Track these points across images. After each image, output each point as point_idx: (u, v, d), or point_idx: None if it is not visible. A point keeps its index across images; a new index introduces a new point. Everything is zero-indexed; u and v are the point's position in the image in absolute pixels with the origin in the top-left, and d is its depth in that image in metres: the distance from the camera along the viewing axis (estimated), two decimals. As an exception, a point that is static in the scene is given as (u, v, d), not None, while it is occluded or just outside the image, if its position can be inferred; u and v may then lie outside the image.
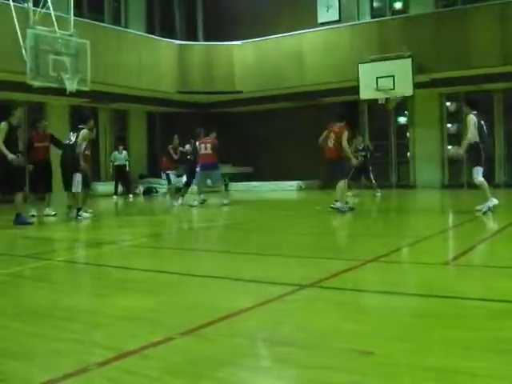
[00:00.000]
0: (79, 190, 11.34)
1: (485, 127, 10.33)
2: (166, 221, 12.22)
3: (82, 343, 3.20)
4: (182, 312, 3.90)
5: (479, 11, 18.64)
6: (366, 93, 19.45)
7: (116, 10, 22.60)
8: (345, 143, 11.42)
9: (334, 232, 9.43)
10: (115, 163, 20.13)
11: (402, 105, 22.15)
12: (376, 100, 19.48)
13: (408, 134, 22.50)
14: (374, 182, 17.45)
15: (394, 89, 18.99)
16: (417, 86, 18.77)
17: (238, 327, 3.46)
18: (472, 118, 10.17)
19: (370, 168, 17.43)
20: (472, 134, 10.08)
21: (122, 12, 22.75)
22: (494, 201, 10.11)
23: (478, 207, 10.30)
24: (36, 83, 14.33)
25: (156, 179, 22.74)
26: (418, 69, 18.67)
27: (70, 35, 15.09)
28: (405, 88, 18.82)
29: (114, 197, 19.38)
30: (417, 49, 18.68)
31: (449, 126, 21.82)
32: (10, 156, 10.08)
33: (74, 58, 15.11)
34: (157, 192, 22.49)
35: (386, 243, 7.29)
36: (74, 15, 15.64)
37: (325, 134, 11.94)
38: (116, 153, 20.38)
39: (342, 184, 11.38)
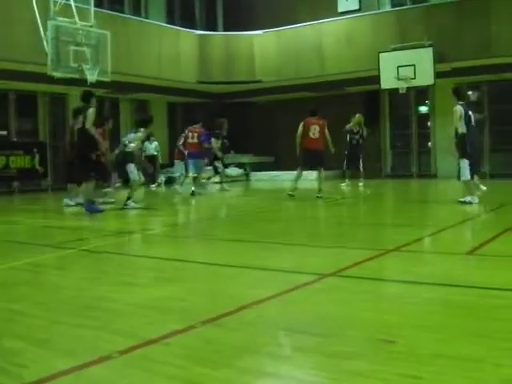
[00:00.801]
0: (136, 179, 12.13)
1: (472, 118, 10.23)
2: (186, 210, 12.25)
3: (104, 331, 3.22)
4: (203, 301, 3.91)
5: (501, -1, 18.41)
6: (387, 82, 19.30)
7: (136, 1, 22.60)
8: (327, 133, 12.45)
9: (355, 221, 9.38)
10: (146, 153, 20.15)
11: (424, 94, 21.98)
12: (397, 89, 19.33)
13: (429, 123, 22.32)
14: (361, 170, 16.99)
15: (414, 78, 18.83)
16: (438, 75, 18.57)
17: (259, 316, 3.46)
18: (459, 109, 10.14)
19: (361, 155, 17.04)
20: (458, 126, 10.08)
21: (142, 2, 22.74)
22: (476, 199, 10.10)
23: (460, 199, 10.35)
24: (57, 74, 14.39)
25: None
26: (438, 58, 18.48)
27: (91, 26, 15.13)
28: (426, 77, 18.64)
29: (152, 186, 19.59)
30: (438, 38, 18.48)
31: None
32: (103, 148, 10.77)
33: (95, 49, 15.15)
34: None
35: (407, 233, 7.25)
36: (94, 6, 15.66)
37: (301, 128, 12.63)
38: (147, 143, 20.41)
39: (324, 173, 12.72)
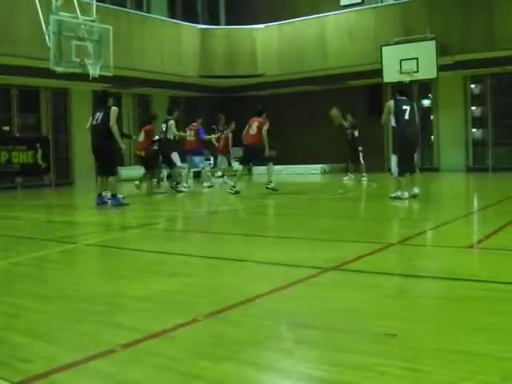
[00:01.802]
0: (179, 164, 15.02)
1: (408, 113, 10.21)
2: (189, 204, 12.27)
3: (107, 325, 3.24)
4: (206, 294, 3.92)
5: (504, -9, 18.35)
6: (390, 75, 19.27)
7: (138, -5, 22.61)
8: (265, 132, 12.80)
9: (357, 215, 9.39)
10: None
11: (426, 87, 21.94)
12: (400, 83, 19.29)
13: (432, 116, 22.29)
14: (361, 163, 16.83)
15: (417, 71, 18.80)
16: (441, 68, 18.54)
17: (262, 309, 3.47)
18: (388, 104, 10.50)
19: (360, 148, 16.86)
20: (383, 118, 10.57)
21: (144, -4, 22.76)
22: (406, 195, 10.08)
23: (392, 194, 10.40)
24: (59, 69, 14.40)
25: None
26: (441, 51, 18.44)
27: (93, 21, 15.12)
28: (429, 70, 18.61)
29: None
30: (441, 31, 18.45)
31: (473, 108, 21.56)
32: (123, 146, 11.21)
33: (97, 44, 15.15)
34: (180, 176, 22.48)
35: (409, 226, 7.26)
36: (97, 1, 15.67)
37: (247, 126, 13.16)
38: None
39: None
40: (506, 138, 20.55)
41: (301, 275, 4.33)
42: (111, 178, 10.97)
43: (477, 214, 8.88)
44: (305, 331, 3.03)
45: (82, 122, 14.21)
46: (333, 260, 4.86)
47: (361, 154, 16.73)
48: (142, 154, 14.70)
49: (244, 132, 13.19)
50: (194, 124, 16.42)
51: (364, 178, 16.22)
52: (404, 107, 10.26)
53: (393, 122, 10.28)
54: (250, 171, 23.60)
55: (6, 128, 19.56)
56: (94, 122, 10.98)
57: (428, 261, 5.11)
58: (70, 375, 2.50)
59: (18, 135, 19.30)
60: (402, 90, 10.89)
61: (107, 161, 10.97)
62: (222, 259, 5.36)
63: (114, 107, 11.10)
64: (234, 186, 13.00)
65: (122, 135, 12.17)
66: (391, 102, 10.43)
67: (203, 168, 16.83)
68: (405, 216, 8.92)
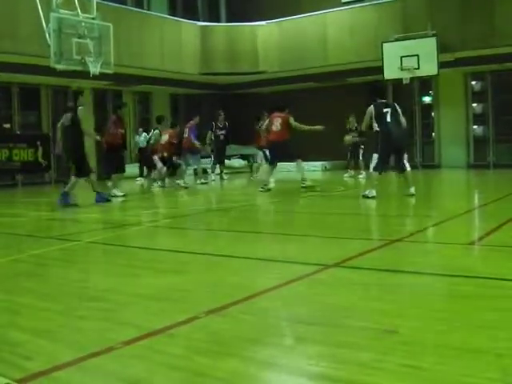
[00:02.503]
0: (160, 166, 15.25)
1: (389, 115, 10.16)
2: (190, 202, 12.27)
3: (109, 322, 3.24)
4: (207, 291, 3.92)
5: (505, -12, 18.32)
6: (391, 72, 19.27)
7: (138, -8, 22.59)
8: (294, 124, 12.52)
9: (358, 212, 9.39)
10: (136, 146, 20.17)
11: (427, 84, 21.92)
12: (401, 80, 19.29)
13: (433, 113, 22.28)
14: (360, 161, 16.84)
15: (418, 68, 18.79)
16: (441, 65, 18.53)
17: (263, 306, 3.48)
18: (369, 109, 10.34)
19: (362, 147, 16.73)
20: (364, 125, 10.51)
21: (145, -6, 22.74)
22: (373, 193, 10.05)
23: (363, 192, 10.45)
24: (60, 66, 14.39)
25: (181, 161, 22.71)
26: (442, 48, 18.43)
27: (93, 18, 15.11)
28: (429, 67, 18.61)
29: (139, 179, 19.48)
30: (441, 27, 18.43)
31: (474, 105, 21.55)
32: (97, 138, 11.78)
33: (97, 41, 15.14)
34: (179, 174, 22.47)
35: (410, 223, 7.27)
36: (97, -2, 15.67)
37: (267, 121, 12.90)
38: (136, 136, 20.42)
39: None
40: (507, 134, 20.54)
41: (302, 272, 4.33)
42: (83, 179, 10.98)
43: (477, 210, 8.88)
44: (306, 328, 3.03)
45: (83, 120, 14.21)
46: (334, 257, 4.86)
47: (361, 152, 16.71)
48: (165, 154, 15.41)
49: (263, 128, 13.05)
50: (190, 122, 16.74)
51: (361, 176, 16.18)
52: (385, 110, 10.18)
53: (375, 127, 10.15)
54: (251, 168, 23.61)
55: (7, 125, 19.56)
56: (66, 123, 10.89)
57: (429, 257, 5.11)
58: (71, 372, 2.50)
59: (18, 133, 19.30)
60: (379, 92, 10.91)
61: (79, 162, 10.96)
62: (223, 256, 5.36)
63: (80, 107, 11.00)
64: (265, 184, 12.59)
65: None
66: (371, 107, 10.25)
67: (198, 166, 17.18)
68: (406, 213, 8.92)
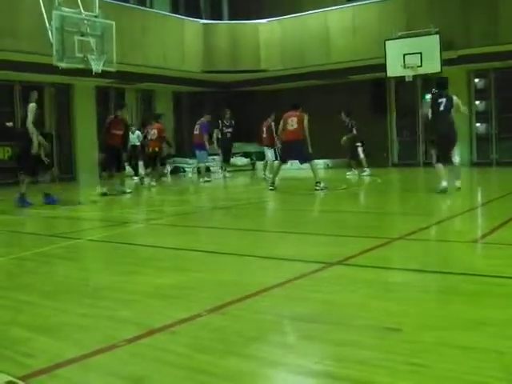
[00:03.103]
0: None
1: (443, 106, 10.24)
2: (190, 199, 12.27)
3: (111, 320, 3.24)
4: (209, 289, 3.92)
5: (508, -15, 18.27)
6: (394, 70, 19.22)
7: (141, -10, 22.58)
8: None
9: (361, 210, 9.38)
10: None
11: (430, 82, 21.89)
12: (403, 77, 19.26)
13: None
14: (361, 159, 16.73)
15: (421, 66, 18.75)
16: (444, 62, 18.49)
17: (265, 304, 3.47)
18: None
19: (358, 144, 16.70)
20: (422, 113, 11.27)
21: (147, -8, 22.73)
22: (445, 184, 10.07)
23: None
24: (62, 64, 14.39)
25: (183, 159, 22.73)
26: (445, 45, 18.38)
27: (96, 16, 15.10)
28: (432, 65, 18.56)
29: (135, 178, 19.56)
30: (444, 25, 18.38)
31: (477, 103, 21.51)
32: (35, 150, 10.78)
33: (100, 39, 15.14)
34: (184, 171, 22.50)
35: (413, 221, 7.25)
36: (99, -4, 15.66)
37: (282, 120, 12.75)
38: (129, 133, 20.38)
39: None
40: (510, 132, 20.48)
41: (305, 270, 4.33)
42: (27, 179, 10.81)
43: (480, 208, 8.86)
44: (308, 326, 3.03)
45: (85, 118, 14.36)
46: (336, 255, 4.86)
47: (360, 149, 16.64)
48: (156, 149, 15.91)
49: (280, 128, 12.78)
50: (201, 119, 16.90)
51: (365, 173, 16.15)
52: (439, 100, 10.28)
53: (429, 116, 10.45)
54: (253, 166, 23.63)
55: (10, 124, 19.57)
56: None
57: (431, 255, 5.11)
58: (73, 370, 2.50)
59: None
60: (439, 84, 10.98)
61: (26, 161, 10.77)
62: (226, 254, 5.36)
63: (32, 103, 10.83)
64: (273, 183, 12.40)
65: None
66: (429, 97, 10.70)
67: (204, 163, 17.18)
68: (408, 211, 8.90)
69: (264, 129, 16.62)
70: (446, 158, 10.34)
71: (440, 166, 10.29)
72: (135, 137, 20.10)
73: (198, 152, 16.81)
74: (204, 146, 16.60)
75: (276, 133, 14.81)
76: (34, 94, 11.05)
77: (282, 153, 13.22)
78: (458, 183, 10.34)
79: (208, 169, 18.84)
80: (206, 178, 16.60)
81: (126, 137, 13.70)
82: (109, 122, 13.10)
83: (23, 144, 10.61)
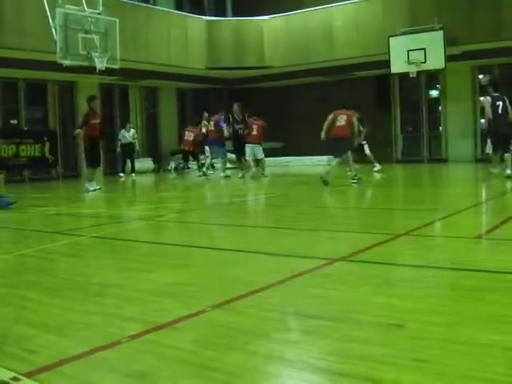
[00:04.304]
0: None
1: (500, 108, 12.36)
2: (195, 196, 12.27)
3: (115, 317, 3.24)
4: (213, 285, 3.92)
5: (513, -20, 18.21)
6: (397, 66, 19.22)
7: (144, -13, 22.59)
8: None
9: (365, 206, 9.37)
10: (123, 141, 20.18)
11: (434, 78, 21.85)
12: (407, 73, 19.23)
13: (440, 107, 22.21)
14: (367, 155, 16.65)
15: (425, 62, 18.72)
16: (448, 58, 18.46)
17: (269, 300, 3.47)
18: (486, 100, 12.67)
19: (364, 143, 16.51)
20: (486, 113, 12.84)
21: (151, -11, 22.73)
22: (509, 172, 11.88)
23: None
24: (66, 62, 14.42)
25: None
26: (449, 41, 18.35)
27: (99, 13, 15.12)
28: (436, 61, 18.54)
29: (121, 174, 19.65)
30: (448, 21, 18.34)
31: (481, 99, 21.44)
32: None
33: (104, 36, 15.16)
34: (188, 168, 22.51)
35: (417, 217, 7.24)
36: (102, -7, 15.67)
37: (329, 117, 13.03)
38: (124, 131, 20.44)
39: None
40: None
41: (309, 266, 4.33)
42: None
43: (485, 204, 8.85)
44: (312, 322, 3.02)
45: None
46: (341, 251, 4.86)
47: (366, 147, 16.56)
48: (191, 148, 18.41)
49: (326, 125, 13.04)
50: (215, 116, 17.30)
51: (376, 168, 16.03)
52: (497, 103, 12.39)
53: (489, 116, 12.50)
54: (257, 163, 23.58)
55: (14, 121, 19.62)
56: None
57: (436, 251, 5.10)
58: (78, 367, 2.51)
59: (25, 128, 19.35)
60: (495, 86, 13.08)
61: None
62: (230, 250, 5.36)
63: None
64: (355, 175, 12.78)
65: None
66: (489, 98, 12.59)
67: (222, 158, 17.37)
68: (413, 206, 8.89)
69: (212, 123, 17.05)
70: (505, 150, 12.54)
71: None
72: (130, 135, 20.21)
73: (215, 147, 17.05)
74: (220, 141, 16.86)
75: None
76: None
77: (330, 149, 13.73)
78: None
79: (212, 165, 18.90)
80: (225, 173, 16.87)
81: (102, 125, 14.01)
82: (86, 114, 13.43)
83: None
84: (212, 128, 17.03)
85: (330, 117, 12.96)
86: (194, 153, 18.97)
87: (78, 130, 13.32)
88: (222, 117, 17.17)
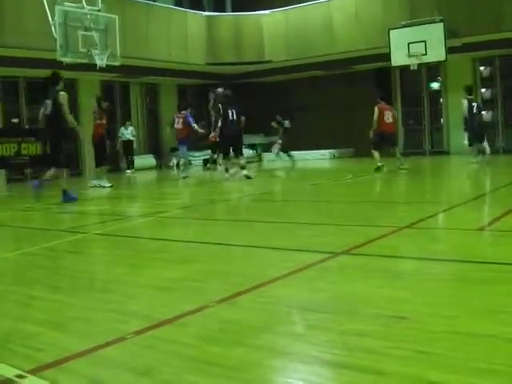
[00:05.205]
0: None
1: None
2: (196, 193, 12.27)
3: (119, 313, 3.25)
4: (217, 280, 3.93)
5: (513, -29, 18.15)
6: (398, 59, 19.17)
7: (143, -17, 22.54)
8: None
9: (368, 200, 9.36)
10: (122, 138, 20.23)
11: (435, 70, 21.80)
12: (408, 66, 19.20)
13: (441, 99, 22.17)
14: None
15: (426, 54, 18.68)
16: (449, 50, 18.42)
17: (273, 295, 3.48)
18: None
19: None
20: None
21: (150, -15, 22.69)
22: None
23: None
24: (66, 60, 14.41)
25: (189, 152, 22.68)
26: (450, 33, 18.30)
27: (98, 10, 15.10)
28: (437, 53, 18.49)
29: (128, 171, 19.77)
30: (448, 13, 18.29)
31: (483, 90, 21.43)
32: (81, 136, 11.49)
33: (103, 33, 15.14)
34: (190, 164, 22.51)
35: (420, 210, 7.23)
36: (102, -10, 15.64)
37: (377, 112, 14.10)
38: (122, 128, 20.47)
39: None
40: (516, 119, 20.43)
41: (312, 260, 4.33)
42: (56, 171, 10.35)
43: (487, 196, 8.84)
44: (315, 315, 3.02)
45: (91, 113, 14.45)
46: (344, 244, 4.86)
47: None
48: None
49: (375, 118, 13.98)
50: (182, 112, 16.33)
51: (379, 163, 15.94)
52: (472, 104, 15.14)
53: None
54: (260, 157, 23.64)
55: (15, 120, 19.61)
56: (47, 112, 10.22)
57: (439, 243, 5.10)
58: (82, 363, 2.51)
59: (26, 127, 19.34)
60: (470, 89, 15.57)
61: (55, 151, 10.27)
62: (232, 245, 5.37)
63: (62, 92, 10.32)
64: (403, 166, 13.90)
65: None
66: (465, 101, 15.04)
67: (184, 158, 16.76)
68: (414, 199, 8.89)
69: (180, 121, 16.06)
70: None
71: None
72: (129, 132, 20.25)
73: (180, 146, 16.36)
74: (186, 140, 16.31)
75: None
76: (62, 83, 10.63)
77: (381, 141, 14.23)
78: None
79: (214, 161, 18.85)
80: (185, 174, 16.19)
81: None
82: (99, 112, 13.93)
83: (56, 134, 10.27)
84: (180, 126, 16.06)
85: (378, 112, 14.03)
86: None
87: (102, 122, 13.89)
88: (189, 112, 16.35)
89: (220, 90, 16.13)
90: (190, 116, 16.22)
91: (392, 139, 14.53)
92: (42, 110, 10.41)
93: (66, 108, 10.06)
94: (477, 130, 15.09)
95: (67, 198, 10.29)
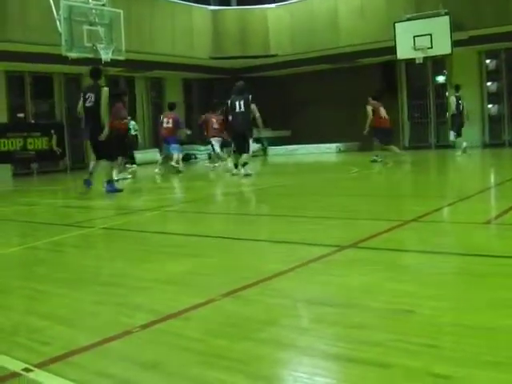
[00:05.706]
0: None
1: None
2: (201, 187, 12.28)
3: (125, 307, 3.25)
4: (223, 274, 3.93)
5: (519, -37, 18.06)
6: (404, 52, 19.11)
7: (148, -22, 22.51)
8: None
9: (373, 193, 9.35)
10: None
11: (441, 64, 21.73)
12: (414, 59, 19.14)
13: (447, 93, 22.09)
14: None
15: (431, 47, 18.62)
16: (455, 43, 18.34)
17: (278, 288, 3.48)
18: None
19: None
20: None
21: (154, -21, 22.66)
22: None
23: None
24: (71, 54, 14.43)
25: (194, 146, 22.73)
26: (455, 26, 18.23)
27: (103, 5, 15.10)
28: (443, 46, 18.42)
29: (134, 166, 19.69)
30: (454, 6, 18.22)
31: (488, 84, 21.35)
32: (105, 132, 10.30)
33: (108, 28, 15.16)
34: (196, 158, 22.54)
35: (426, 203, 7.22)
36: (106, -15, 15.63)
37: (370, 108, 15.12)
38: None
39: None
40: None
41: (317, 253, 4.33)
42: (105, 163, 10.60)
43: (493, 189, 8.81)
44: (321, 309, 3.03)
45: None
46: (349, 238, 4.86)
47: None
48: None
49: (371, 115, 14.96)
50: (172, 113, 16.23)
51: (375, 157, 15.86)
52: (459, 101, 16.63)
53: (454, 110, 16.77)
54: (265, 152, 23.64)
55: (21, 115, 19.65)
56: (88, 104, 10.36)
57: (445, 237, 5.09)
58: (89, 357, 2.52)
59: (32, 122, 19.39)
60: (457, 87, 16.99)
61: (102, 145, 10.39)
62: (238, 239, 5.37)
63: (105, 88, 10.52)
64: (404, 155, 15.28)
65: None
66: (453, 98, 17.15)
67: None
68: (421, 193, 8.87)
69: (170, 120, 15.94)
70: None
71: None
72: (130, 127, 20.18)
73: (169, 145, 16.22)
74: (175, 139, 16.21)
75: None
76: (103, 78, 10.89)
77: (386, 136, 15.13)
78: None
79: (218, 156, 18.74)
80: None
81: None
82: (121, 108, 13.83)
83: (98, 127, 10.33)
84: (170, 125, 15.90)
85: (373, 109, 14.93)
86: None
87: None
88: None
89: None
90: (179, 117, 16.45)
91: (391, 134, 15.54)
92: (80, 102, 10.67)
93: (105, 103, 10.27)
94: (460, 126, 17.22)
95: (111, 188, 10.44)
